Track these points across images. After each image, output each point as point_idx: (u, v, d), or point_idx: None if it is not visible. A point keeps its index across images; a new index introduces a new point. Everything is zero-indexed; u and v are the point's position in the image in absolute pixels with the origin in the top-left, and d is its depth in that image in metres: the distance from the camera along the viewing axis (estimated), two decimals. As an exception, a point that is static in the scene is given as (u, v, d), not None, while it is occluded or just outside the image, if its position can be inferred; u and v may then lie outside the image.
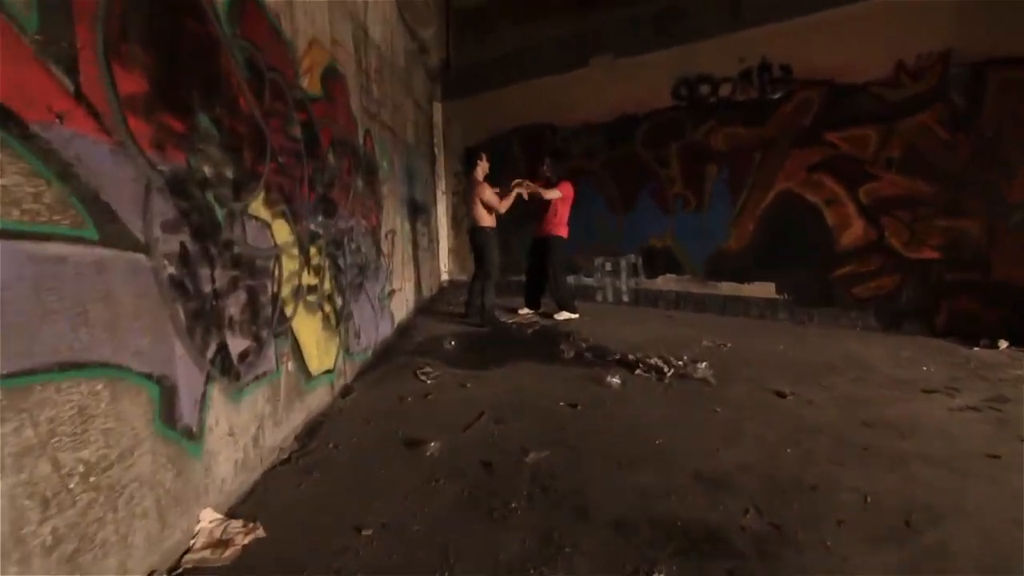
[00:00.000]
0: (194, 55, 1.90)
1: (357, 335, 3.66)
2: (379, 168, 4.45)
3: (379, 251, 4.34)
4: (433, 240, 7.44)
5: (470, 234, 5.28)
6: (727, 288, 5.61)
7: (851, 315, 4.92)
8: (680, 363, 3.68)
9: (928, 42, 4.36)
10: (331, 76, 3.33)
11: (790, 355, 4.03)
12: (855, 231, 4.82)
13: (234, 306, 2.06)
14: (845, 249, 4.87)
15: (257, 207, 2.27)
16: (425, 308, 6.29)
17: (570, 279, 6.46)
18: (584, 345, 4.33)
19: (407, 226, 5.65)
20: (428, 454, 2.39)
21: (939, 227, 4.45)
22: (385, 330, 4.45)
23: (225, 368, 1.99)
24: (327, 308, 3.09)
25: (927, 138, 4.46)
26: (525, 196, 5.43)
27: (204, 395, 1.86)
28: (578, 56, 6.37)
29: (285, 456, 2.39)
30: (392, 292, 4.77)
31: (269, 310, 2.34)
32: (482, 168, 5.18)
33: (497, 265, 5.21)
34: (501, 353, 4.19)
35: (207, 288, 1.89)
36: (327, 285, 3.11)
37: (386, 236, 4.63)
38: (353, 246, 3.67)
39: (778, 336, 4.66)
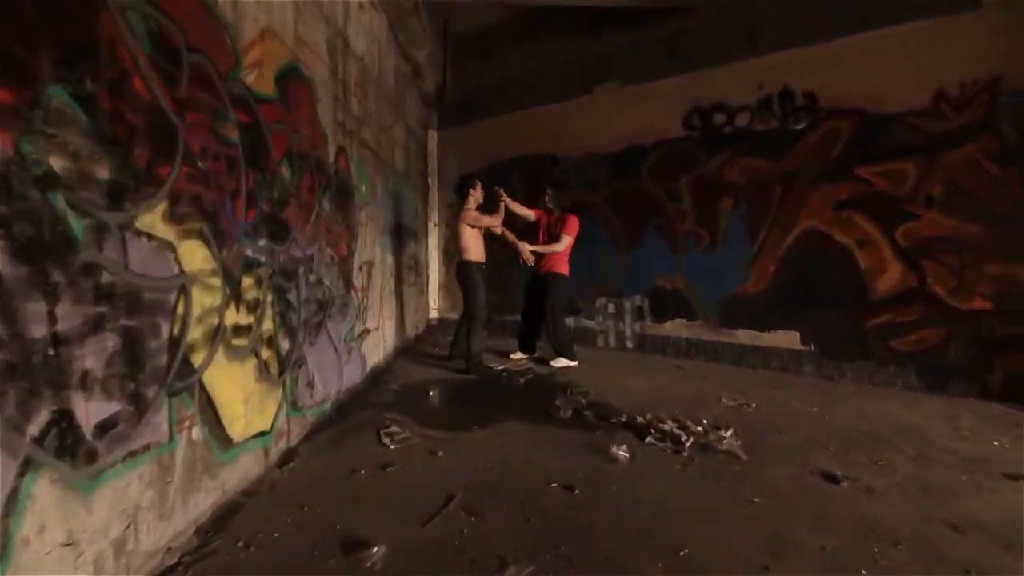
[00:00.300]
0: (52, 7, 1.36)
1: (311, 385, 3.04)
2: (355, 191, 3.92)
3: (349, 284, 3.76)
4: (422, 274, 6.89)
5: (456, 269, 4.73)
6: (745, 336, 5.01)
7: (889, 371, 4.31)
8: (700, 429, 3.05)
9: (973, 69, 3.90)
10: (292, 77, 2.82)
11: (827, 419, 3.40)
12: (892, 276, 4.25)
13: (94, 356, 1.46)
14: (881, 296, 4.30)
15: (152, 221, 1.70)
16: (408, 349, 5.68)
17: (569, 321, 5.88)
18: (584, 401, 3.70)
19: (390, 258, 5.09)
20: (368, 564, 1.75)
21: (990, 274, 3.88)
22: (353, 376, 3.83)
23: (66, 447, 1.37)
24: (265, 354, 2.49)
25: (973, 173, 3.95)
26: (498, 231, 4.94)
27: (16, 492, 1.24)
28: (582, 83, 5.96)
29: (173, 561, 1.75)
30: (365, 332, 4.17)
31: (162, 360, 1.74)
32: (475, 197, 4.67)
33: (484, 305, 4.62)
34: (485, 408, 3.55)
35: (38, 331, 1.29)
36: (268, 325, 2.52)
37: (360, 268, 4.06)
38: (312, 278, 3.10)
39: (807, 394, 4.03)
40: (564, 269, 4.92)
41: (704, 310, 5.24)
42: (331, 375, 3.38)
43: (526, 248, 4.84)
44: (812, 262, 4.60)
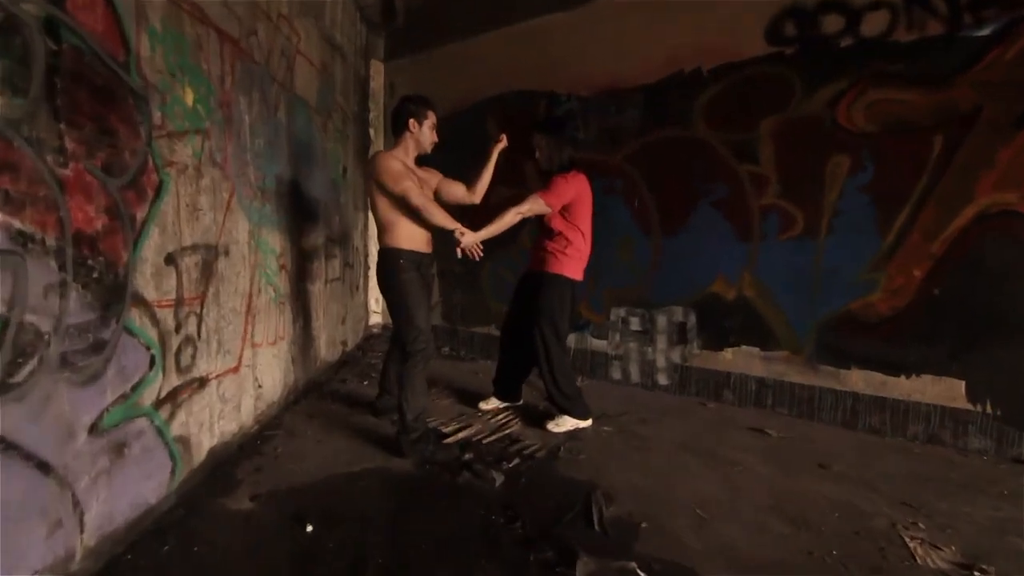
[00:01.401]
0: None
1: None
2: (146, 94, 1.82)
3: (111, 299, 1.68)
4: (355, 265, 4.78)
5: (377, 264, 2.68)
6: (861, 380, 3.10)
7: None
8: None
9: None
10: None
11: None
12: None
13: None
14: None
15: None
16: (318, 385, 3.60)
17: (569, 341, 3.89)
18: (633, 562, 1.72)
19: (280, 242, 3.00)
20: None
21: None
22: (135, 496, 1.77)
23: None
24: None
25: None
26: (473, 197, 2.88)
27: None
28: (597, -20, 3.91)
29: None
30: (185, 388, 2.10)
31: None
32: (417, 137, 2.58)
33: (425, 328, 2.54)
34: (423, 568, 1.56)
35: None
36: None
37: (176, 260, 1.98)
38: None
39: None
40: (568, 268, 2.90)
41: (790, 334, 3.30)
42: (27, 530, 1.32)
43: (468, 235, 2.57)
44: (996, 266, 2.70)
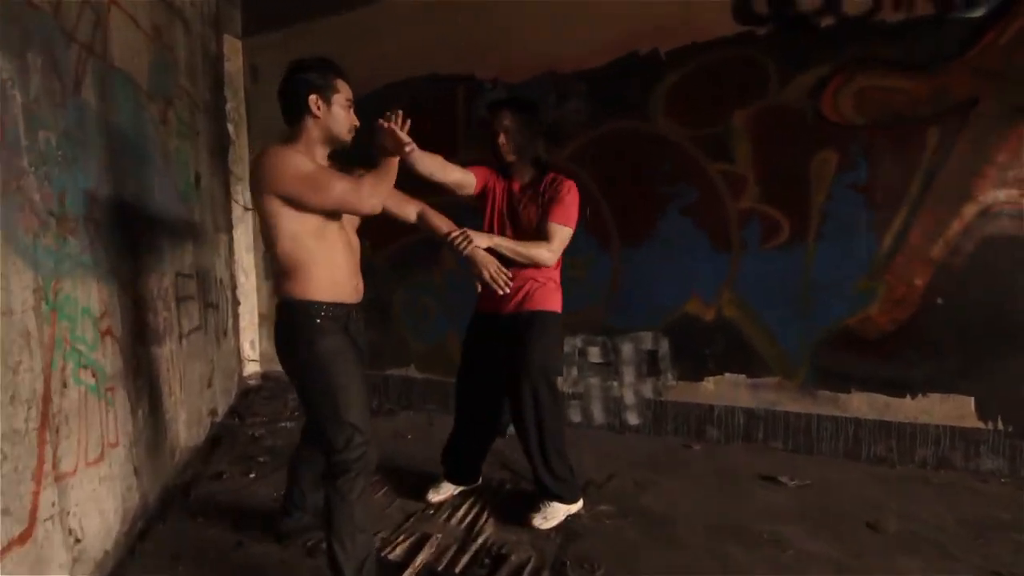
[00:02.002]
0: None
1: None
2: None
3: None
4: (220, 304, 3.60)
5: (276, 325, 1.68)
6: (863, 404, 2.75)
7: None
8: None
9: None
10: None
11: None
12: None
13: None
14: None
15: None
16: (182, 491, 2.47)
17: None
18: None
19: (107, 293, 1.90)
20: None
21: None
22: None
23: None
24: None
25: None
26: (410, 216, 2.02)
27: None
28: (524, -58, 3.21)
29: None
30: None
31: None
32: (331, 111, 1.63)
33: (364, 423, 1.58)
34: None
35: None
36: None
37: None
38: None
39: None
40: (559, 300, 2.17)
41: (781, 358, 2.87)
42: None
43: (486, 261, 1.93)
44: (1000, 270, 2.46)
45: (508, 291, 1.94)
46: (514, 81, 3.32)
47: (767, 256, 2.84)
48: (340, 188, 1.54)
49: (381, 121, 1.59)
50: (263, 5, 4.00)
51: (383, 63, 3.58)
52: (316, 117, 1.62)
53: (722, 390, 2.99)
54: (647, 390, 3.15)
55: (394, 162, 1.64)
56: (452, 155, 2.22)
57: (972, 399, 2.56)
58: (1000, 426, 2.53)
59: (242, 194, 4.08)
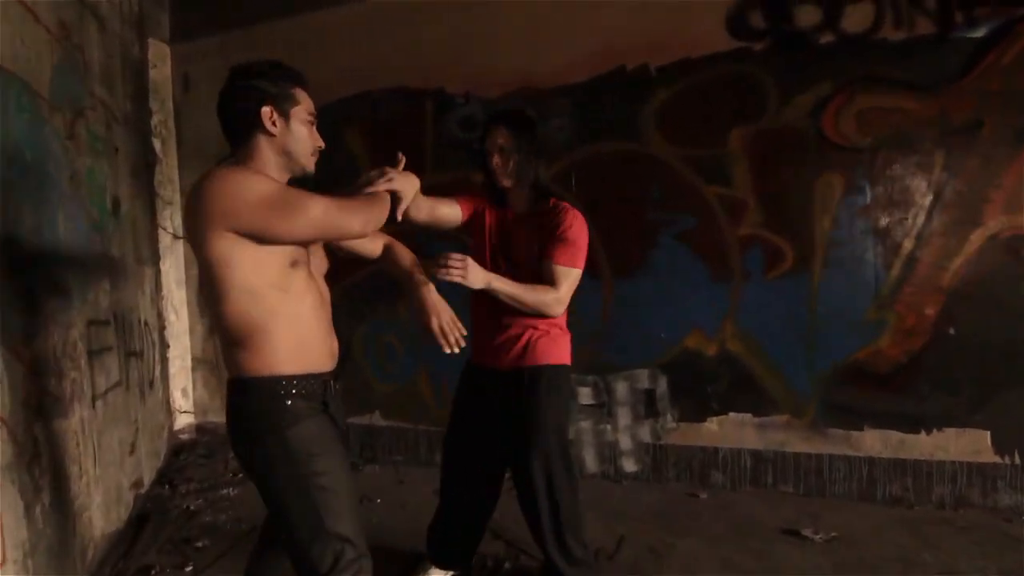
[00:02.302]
0: None
1: None
2: None
3: None
4: (145, 350, 3.05)
5: (229, 411, 1.25)
6: (877, 442, 2.57)
7: None
8: None
9: None
10: None
11: None
12: None
13: None
14: None
15: None
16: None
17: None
18: None
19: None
20: None
21: None
22: None
23: None
24: None
25: None
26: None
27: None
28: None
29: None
30: None
31: None
32: (289, 127, 1.23)
33: (355, 532, 1.20)
34: None
35: None
36: None
37: None
38: None
39: None
40: (563, 354, 1.83)
41: (789, 395, 2.67)
42: None
43: (439, 307, 1.55)
44: (1015, 296, 2.37)
45: (457, 352, 1.56)
46: (489, 96, 3.01)
47: (771, 286, 2.65)
48: (321, 206, 1.18)
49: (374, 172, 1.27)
50: (196, 6, 3.52)
51: (337, 74, 3.18)
52: (270, 135, 1.23)
53: (727, 431, 2.76)
54: (645, 433, 2.87)
55: (386, 195, 1.30)
56: (420, 176, 1.88)
57: (988, 433, 2.44)
58: (1017, 460, 2.42)
59: (171, 219, 3.54)
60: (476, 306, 1.83)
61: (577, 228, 1.75)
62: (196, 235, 1.14)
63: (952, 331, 2.45)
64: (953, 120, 2.39)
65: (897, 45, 2.43)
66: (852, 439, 2.60)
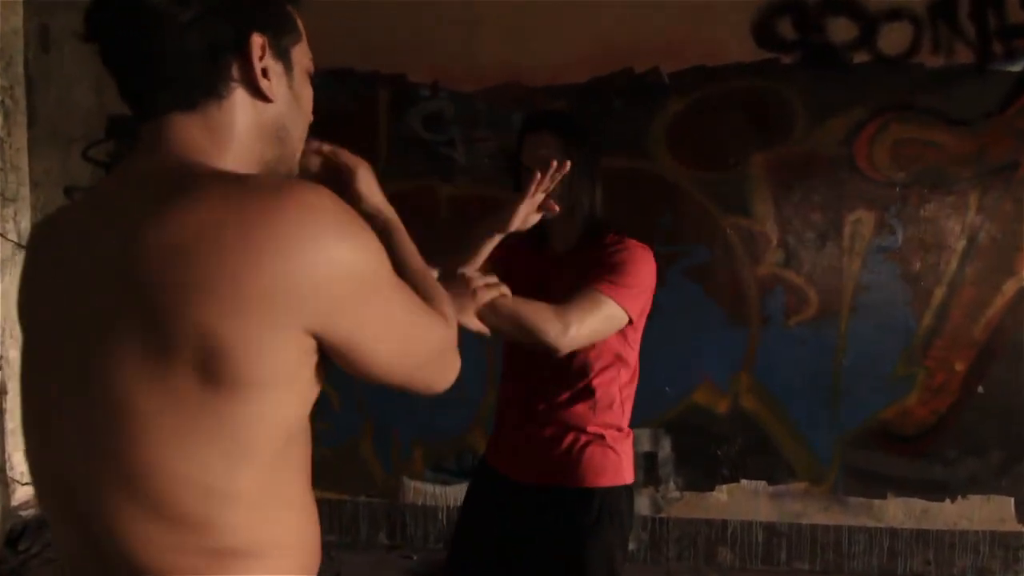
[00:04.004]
0: None
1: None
2: None
3: None
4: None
5: None
6: (899, 512, 2.30)
7: None
8: None
9: None
10: None
11: None
12: None
13: None
14: None
15: None
16: None
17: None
18: None
19: None
20: None
21: None
22: None
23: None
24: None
25: None
26: None
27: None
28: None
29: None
30: None
31: None
32: (292, 76, 0.57)
33: None
34: None
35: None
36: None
37: None
38: None
39: None
40: (622, 470, 1.24)
41: (808, 459, 2.34)
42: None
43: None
44: (1041, 353, 2.20)
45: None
46: (462, 89, 2.44)
47: (792, 334, 2.31)
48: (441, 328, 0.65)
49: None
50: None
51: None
52: (259, 98, 0.56)
53: (737, 501, 2.37)
54: (644, 505, 2.41)
55: None
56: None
57: (1012, 500, 2.25)
58: (1041, 530, 2.24)
59: (14, 223, 2.60)
60: (506, 382, 1.29)
61: (640, 264, 1.23)
62: (202, 319, 0.45)
63: (981, 389, 2.24)
64: (989, 159, 2.18)
65: (935, 73, 2.19)
66: (874, 508, 2.31)
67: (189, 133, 0.54)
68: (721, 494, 2.38)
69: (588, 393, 1.21)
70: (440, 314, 0.65)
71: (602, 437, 1.23)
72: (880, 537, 2.32)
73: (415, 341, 0.60)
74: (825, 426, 2.31)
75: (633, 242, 1.26)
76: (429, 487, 2.54)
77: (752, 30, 2.26)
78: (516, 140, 1.27)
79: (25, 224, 2.67)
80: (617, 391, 1.25)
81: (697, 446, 2.38)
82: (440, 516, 2.54)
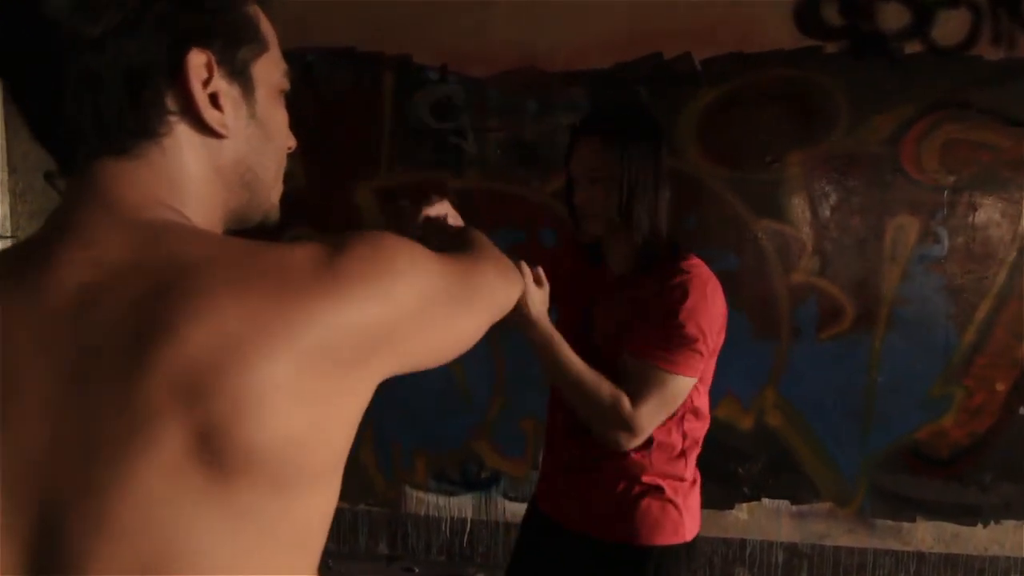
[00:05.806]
0: None
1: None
2: None
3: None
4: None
5: None
6: (929, 536, 2.18)
7: None
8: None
9: None
10: None
11: None
12: None
13: None
14: None
15: None
16: None
17: (466, 506, 2.17)
18: None
19: None
20: None
21: None
22: None
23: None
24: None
25: None
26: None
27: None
28: None
29: None
30: None
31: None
32: (256, 96, 0.42)
33: None
34: None
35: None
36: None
37: None
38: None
39: None
40: (685, 525, 1.08)
41: (834, 479, 2.21)
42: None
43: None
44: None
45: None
46: (473, 73, 2.24)
47: (824, 348, 2.15)
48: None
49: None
50: None
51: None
52: (207, 132, 0.40)
53: (758, 520, 2.25)
54: (658, 522, 2.30)
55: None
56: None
57: (1043, 525, 2.13)
58: (1076, 558, 2.13)
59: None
60: (552, 420, 1.14)
61: (703, 304, 1.06)
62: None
63: (1022, 411, 2.10)
64: (1045, 164, 2.01)
65: (993, 66, 2.00)
66: (903, 532, 2.19)
67: (131, 182, 0.38)
68: (741, 513, 2.26)
69: (646, 443, 1.05)
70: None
71: (660, 489, 1.07)
72: (907, 561, 2.20)
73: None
74: (854, 445, 2.18)
75: (697, 271, 1.08)
76: (432, 497, 2.42)
77: (794, 14, 2.05)
78: (568, 144, 1.10)
79: (4, 210, 2.48)
80: (680, 438, 1.09)
81: (716, 463, 2.24)
82: (443, 527, 2.42)
